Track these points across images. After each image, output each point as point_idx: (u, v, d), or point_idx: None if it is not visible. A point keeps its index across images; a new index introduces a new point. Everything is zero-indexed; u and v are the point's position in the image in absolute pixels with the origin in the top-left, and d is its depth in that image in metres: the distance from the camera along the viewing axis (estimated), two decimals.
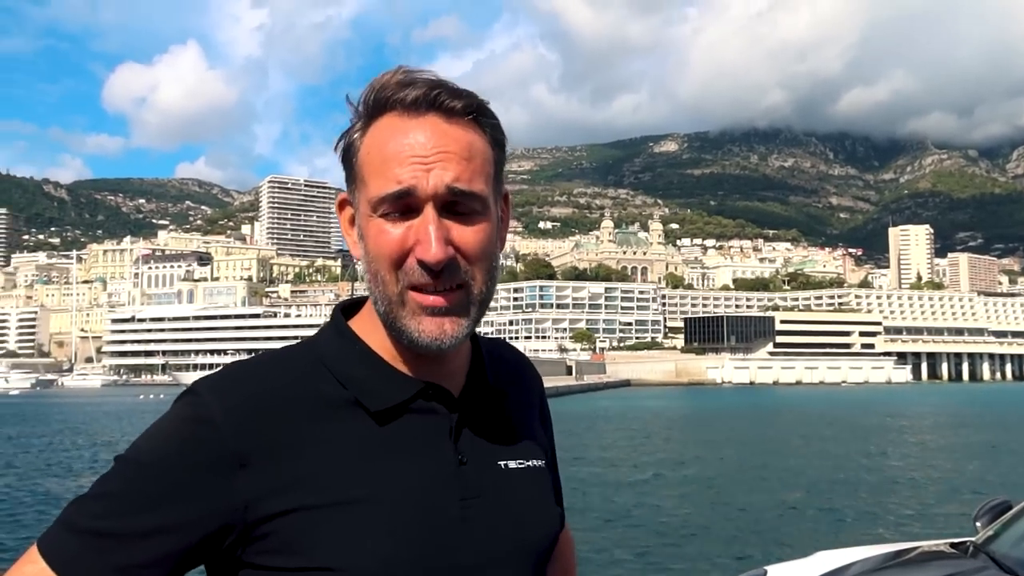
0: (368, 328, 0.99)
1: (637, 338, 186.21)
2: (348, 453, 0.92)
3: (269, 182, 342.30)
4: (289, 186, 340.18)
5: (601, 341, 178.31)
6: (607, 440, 30.10)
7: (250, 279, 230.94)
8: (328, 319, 1.04)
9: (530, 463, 1.04)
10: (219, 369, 0.97)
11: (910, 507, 14.72)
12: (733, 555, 10.44)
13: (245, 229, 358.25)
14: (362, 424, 0.94)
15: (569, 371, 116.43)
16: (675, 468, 21.36)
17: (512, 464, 1.02)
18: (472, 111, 0.93)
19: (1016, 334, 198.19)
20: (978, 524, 3.36)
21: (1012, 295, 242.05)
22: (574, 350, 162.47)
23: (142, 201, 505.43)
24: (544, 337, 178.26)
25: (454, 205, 0.91)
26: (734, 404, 65.82)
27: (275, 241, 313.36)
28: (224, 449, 0.89)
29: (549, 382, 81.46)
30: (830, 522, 13.14)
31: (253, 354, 0.99)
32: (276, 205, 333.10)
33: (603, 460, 22.83)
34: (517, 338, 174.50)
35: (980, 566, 2.78)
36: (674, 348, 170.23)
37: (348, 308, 1.05)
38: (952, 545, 3.23)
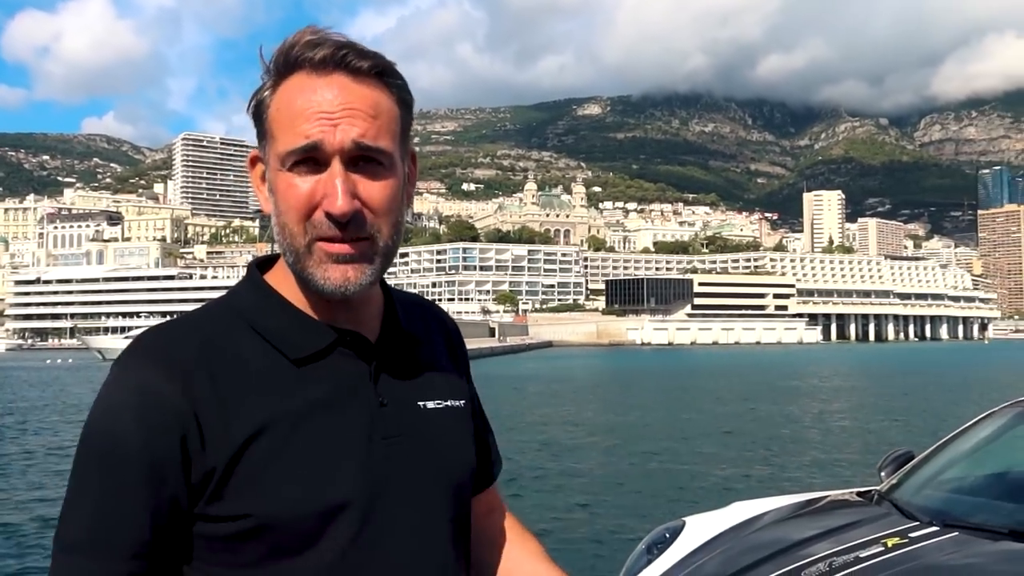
0: (284, 281, 1.02)
1: (559, 300, 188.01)
2: (274, 403, 0.95)
3: (183, 139, 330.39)
4: (204, 143, 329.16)
5: (524, 303, 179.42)
6: (528, 401, 30.27)
7: (164, 240, 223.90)
8: (244, 275, 1.07)
9: (448, 403, 1.09)
10: (143, 333, 0.98)
11: (819, 460, 15.20)
12: (653, 508, 10.57)
13: (158, 188, 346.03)
14: (286, 373, 0.97)
15: (492, 333, 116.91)
16: (594, 427, 21.61)
17: (430, 404, 1.06)
18: (378, 71, 0.97)
19: (919, 296, 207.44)
20: (882, 474, 3.52)
21: (916, 259, 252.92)
22: (497, 312, 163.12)
23: (46, 158, 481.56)
24: (467, 299, 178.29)
25: (360, 161, 0.95)
26: (652, 364, 67.15)
27: (190, 201, 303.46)
28: (177, 410, 0.92)
29: (472, 344, 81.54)
30: (745, 475, 13.46)
31: (168, 317, 1.02)
32: (191, 163, 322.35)
33: (523, 421, 22.93)
34: (440, 300, 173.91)
35: (884, 512, 2.96)
36: (595, 310, 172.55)
37: (263, 263, 1.08)
38: (858, 494, 3.39)
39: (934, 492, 3.22)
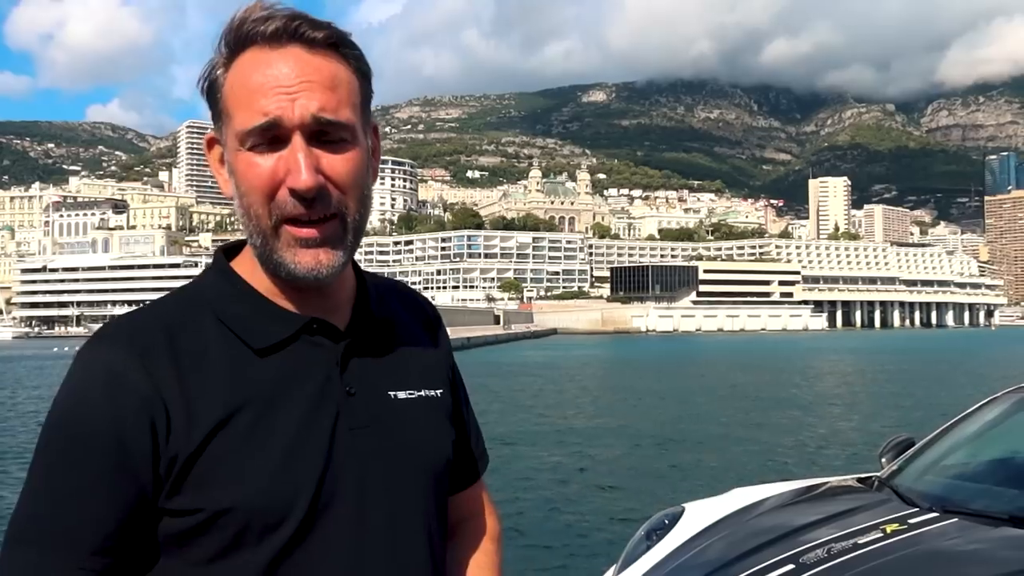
0: (250, 268, 0.99)
1: (564, 287, 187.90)
2: (236, 394, 0.92)
3: (188, 127, 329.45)
4: (209, 131, 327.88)
5: (528, 290, 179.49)
6: (528, 389, 30.33)
7: (169, 228, 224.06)
8: (211, 262, 1.04)
9: (421, 392, 1.05)
10: (108, 322, 0.95)
11: (821, 446, 15.20)
12: (653, 494, 10.62)
13: (163, 176, 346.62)
14: (248, 363, 0.94)
15: (497, 320, 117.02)
16: (593, 414, 21.66)
17: (401, 394, 1.03)
18: (333, 41, 0.94)
19: (925, 283, 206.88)
20: (883, 460, 3.51)
21: (923, 246, 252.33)
22: (502, 299, 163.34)
23: (51, 146, 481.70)
24: (472, 287, 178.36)
25: (322, 135, 0.92)
26: (657, 352, 67.16)
27: (195, 188, 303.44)
28: (145, 395, 0.89)
29: (477, 331, 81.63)
30: (745, 461, 13.49)
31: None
32: (196, 151, 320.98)
33: (522, 407, 23.00)
34: (445, 288, 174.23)
35: (884, 498, 2.97)
36: (600, 297, 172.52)
37: (230, 250, 1.04)
38: (859, 480, 3.39)
39: (935, 478, 3.22)
